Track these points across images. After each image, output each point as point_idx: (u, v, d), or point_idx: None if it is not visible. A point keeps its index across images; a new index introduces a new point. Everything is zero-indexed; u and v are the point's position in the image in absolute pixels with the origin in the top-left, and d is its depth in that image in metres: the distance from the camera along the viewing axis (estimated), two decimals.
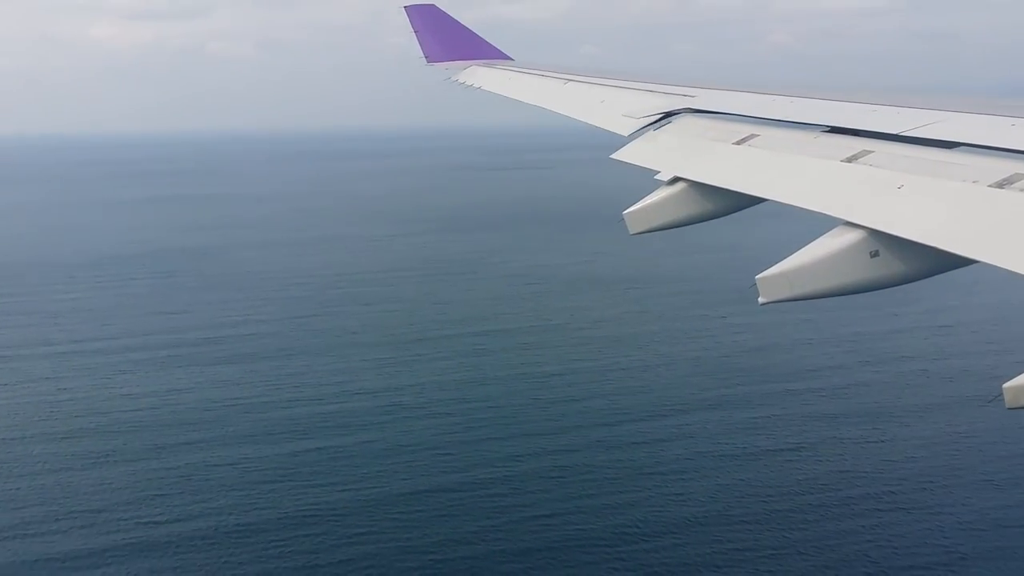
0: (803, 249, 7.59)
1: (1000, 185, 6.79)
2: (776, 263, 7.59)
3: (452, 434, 48.69)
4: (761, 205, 9.46)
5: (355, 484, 41.92)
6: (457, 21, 27.86)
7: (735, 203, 9.83)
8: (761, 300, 7.68)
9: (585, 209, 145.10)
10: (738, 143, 10.37)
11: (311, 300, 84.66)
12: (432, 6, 27.91)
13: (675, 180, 10.25)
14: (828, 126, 9.89)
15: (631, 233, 10.29)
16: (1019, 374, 6.06)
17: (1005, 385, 6.11)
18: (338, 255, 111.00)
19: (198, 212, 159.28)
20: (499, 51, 26.78)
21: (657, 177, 10.67)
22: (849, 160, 8.55)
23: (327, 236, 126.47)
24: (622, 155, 12.11)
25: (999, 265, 6.09)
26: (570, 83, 17.44)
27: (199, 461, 44.61)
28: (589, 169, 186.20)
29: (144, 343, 68.83)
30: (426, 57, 27.36)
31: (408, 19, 27.70)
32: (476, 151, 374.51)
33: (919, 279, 7.47)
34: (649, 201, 10.28)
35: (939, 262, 7.08)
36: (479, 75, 22.74)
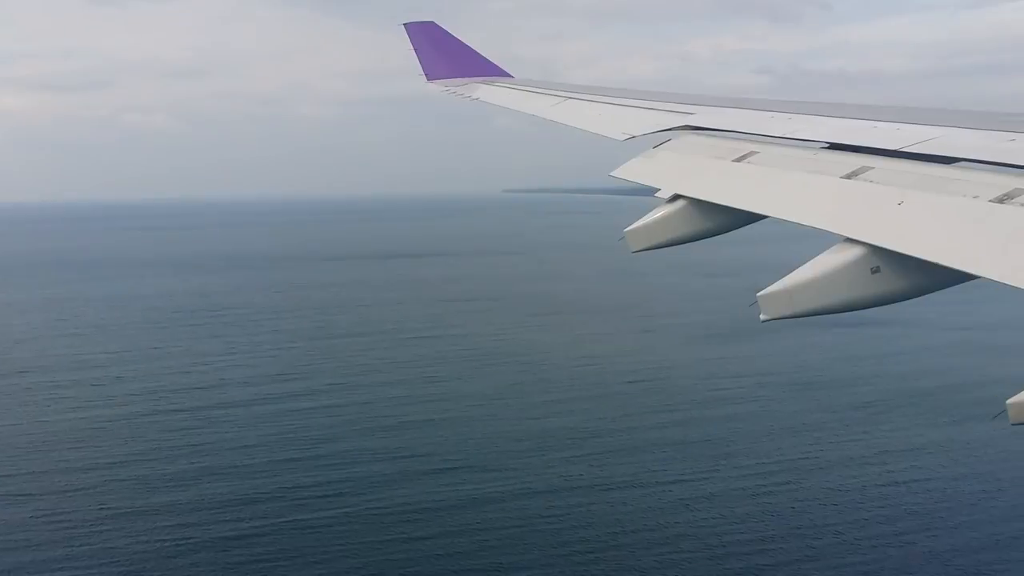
0: (804, 266, 7.55)
1: (1000, 200, 6.76)
2: (777, 280, 7.57)
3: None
4: (761, 222, 9.44)
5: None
6: (456, 38, 27.67)
7: (735, 220, 9.79)
8: (762, 317, 7.64)
9: None
10: (737, 160, 10.33)
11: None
12: (431, 23, 27.76)
13: (675, 198, 10.21)
14: (827, 143, 9.86)
15: (632, 251, 10.21)
16: (1023, 390, 6.01)
17: (1009, 401, 6.07)
18: None
19: None
20: (499, 68, 26.62)
21: (657, 195, 10.61)
22: (849, 176, 8.51)
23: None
24: (621, 172, 12.04)
25: (1000, 280, 6.05)
26: (569, 100, 17.39)
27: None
28: None
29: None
30: (426, 75, 27.15)
31: (408, 37, 27.51)
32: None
33: (920, 295, 7.43)
34: (649, 219, 10.22)
35: (940, 278, 7.04)
36: (479, 91, 22.69)
